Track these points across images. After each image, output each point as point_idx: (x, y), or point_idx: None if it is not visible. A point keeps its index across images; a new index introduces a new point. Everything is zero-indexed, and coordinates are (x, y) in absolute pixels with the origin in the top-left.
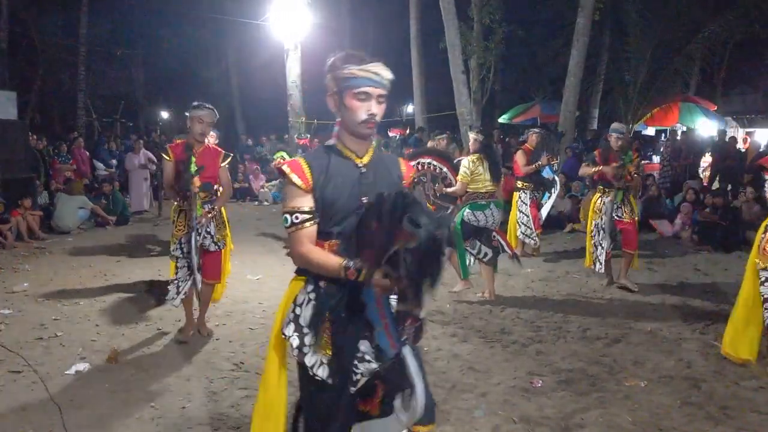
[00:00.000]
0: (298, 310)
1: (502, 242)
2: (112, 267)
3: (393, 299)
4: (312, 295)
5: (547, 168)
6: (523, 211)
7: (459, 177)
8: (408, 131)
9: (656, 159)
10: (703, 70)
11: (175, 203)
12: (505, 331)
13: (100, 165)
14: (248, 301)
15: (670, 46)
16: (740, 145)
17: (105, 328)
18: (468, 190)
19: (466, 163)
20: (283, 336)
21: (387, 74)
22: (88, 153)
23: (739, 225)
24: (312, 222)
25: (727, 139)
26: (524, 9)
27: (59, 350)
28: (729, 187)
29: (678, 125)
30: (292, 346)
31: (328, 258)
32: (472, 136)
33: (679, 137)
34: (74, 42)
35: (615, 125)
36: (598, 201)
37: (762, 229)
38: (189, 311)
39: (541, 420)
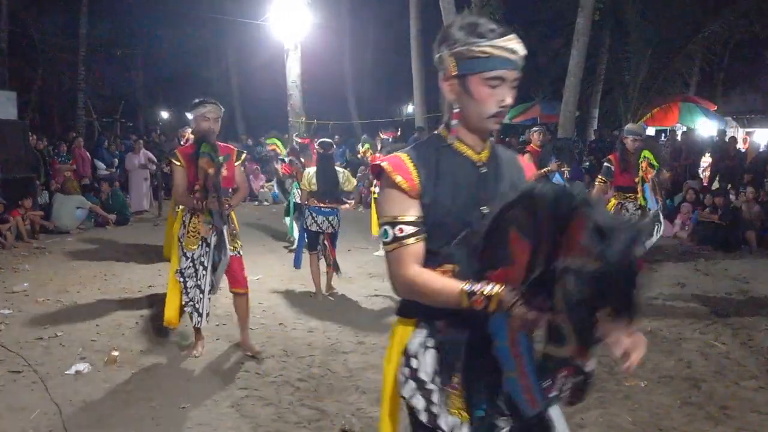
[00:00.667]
0: (414, 363)
1: None
2: (112, 267)
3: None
4: (430, 342)
5: (557, 175)
6: None
7: None
8: (399, 133)
9: None
10: (703, 70)
11: (180, 209)
12: None
13: (101, 165)
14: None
15: (670, 46)
16: (740, 145)
17: (105, 328)
18: None
19: None
20: (402, 399)
21: (522, 50)
22: (88, 153)
23: (739, 225)
24: (420, 236)
25: (726, 139)
26: (524, 9)
27: (59, 350)
28: (729, 187)
29: (678, 125)
30: (416, 409)
31: (444, 283)
32: None
33: (679, 137)
34: (74, 42)
35: (631, 126)
36: (618, 207)
37: None
38: (201, 333)
39: None
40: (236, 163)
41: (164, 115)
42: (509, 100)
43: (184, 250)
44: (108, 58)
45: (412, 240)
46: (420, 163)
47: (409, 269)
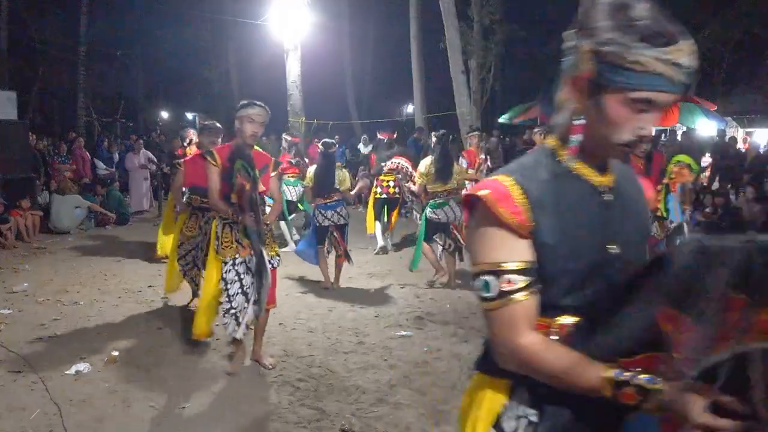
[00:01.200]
0: None
1: (458, 236)
2: (112, 267)
3: None
4: (532, 415)
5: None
6: None
7: (416, 177)
8: (395, 135)
9: None
10: (703, 70)
11: (217, 218)
12: None
13: (101, 165)
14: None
15: None
16: (740, 145)
17: (105, 328)
18: (428, 189)
19: (423, 165)
20: None
21: (694, 63)
22: (88, 153)
23: (739, 225)
24: (534, 288)
25: (727, 139)
26: (524, 9)
27: (59, 350)
28: (729, 187)
29: (678, 125)
30: None
31: (576, 362)
32: (433, 137)
33: (679, 137)
34: (74, 42)
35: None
36: None
37: None
38: (242, 343)
39: None
40: (272, 174)
41: (164, 115)
42: (651, 131)
43: (223, 259)
44: (108, 58)
45: (523, 294)
46: (532, 188)
47: (523, 336)
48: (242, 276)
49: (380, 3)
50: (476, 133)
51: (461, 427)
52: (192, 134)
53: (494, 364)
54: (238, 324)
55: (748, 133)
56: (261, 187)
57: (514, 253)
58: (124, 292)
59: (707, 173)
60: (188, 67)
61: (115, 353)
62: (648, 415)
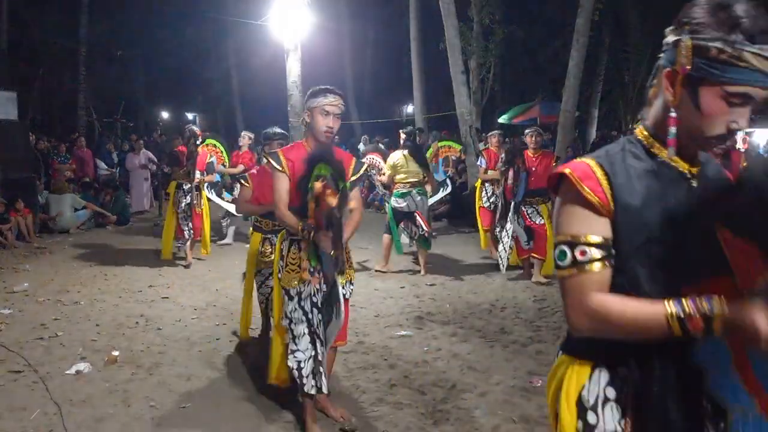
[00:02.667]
0: (591, 418)
1: (422, 223)
2: (112, 267)
3: None
4: (611, 392)
5: None
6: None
7: (385, 169)
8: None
9: None
10: None
11: (284, 232)
12: (505, 331)
13: (102, 165)
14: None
15: None
16: (740, 145)
17: (105, 328)
18: (395, 180)
19: (392, 158)
20: None
21: None
22: (90, 153)
23: None
24: (605, 263)
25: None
26: (524, 9)
27: (59, 350)
28: None
29: None
30: None
31: (640, 307)
32: (401, 133)
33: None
34: (74, 42)
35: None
36: None
37: None
38: (313, 410)
39: (541, 420)
40: (353, 177)
41: (164, 115)
42: (744, 125)
43: (285, 287)
44: (108, 58)
45: (596, 266)
46: (615, 170)
47: (592, 299)
48: (309, 315)
49: (380, 3)
50: (497, 132)
51: (549, 403)
52: (201, 131)
53: (576, 346)
54: (306, 376)
55: (747, 133)
56: (352, 203)
57: (591, 227)
58: (124, 292)
59: None
60: (188, 67)
61: (115, 353)
62: (714, 342)
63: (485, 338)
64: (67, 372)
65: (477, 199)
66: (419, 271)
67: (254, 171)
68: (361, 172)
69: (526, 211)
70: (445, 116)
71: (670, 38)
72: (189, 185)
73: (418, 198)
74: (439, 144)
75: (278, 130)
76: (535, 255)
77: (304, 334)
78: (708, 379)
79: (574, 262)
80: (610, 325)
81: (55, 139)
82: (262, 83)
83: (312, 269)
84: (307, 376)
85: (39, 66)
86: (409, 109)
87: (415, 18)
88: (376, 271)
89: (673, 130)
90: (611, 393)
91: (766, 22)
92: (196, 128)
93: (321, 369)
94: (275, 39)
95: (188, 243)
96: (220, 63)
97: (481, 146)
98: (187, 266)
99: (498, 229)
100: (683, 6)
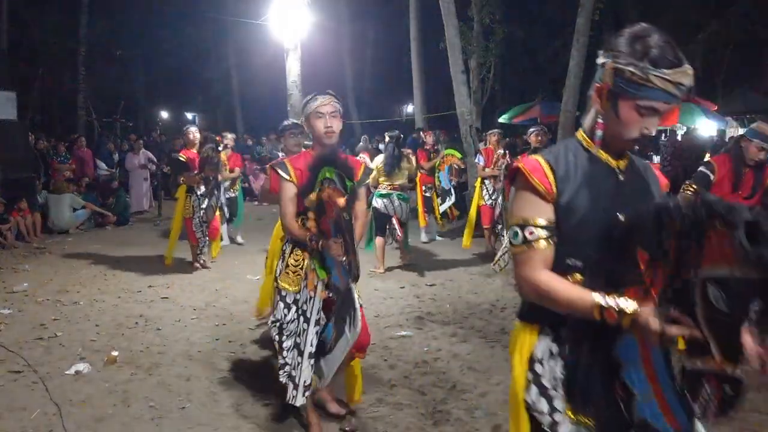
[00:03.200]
0: (538, 369)
1: (397, 230)
2: (112, 267)
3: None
4: (555, 349)
5: None
6: None
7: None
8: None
9: (656, 159)
10: (703, 70)
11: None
12: (505, 331)
13: (102, 165)
14: (248, 301)
15: None
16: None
17: (104, 328)
18: (379, 182)
19: (376, 161)
20: (526, 404)
21: (691, 82)
22: (90, 153)
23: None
24: (549, 241)
25: (727, 140)
26: (524, 9)
27: (59, 350)
28: None
29: (678, 125)
30: (538, 414)
31: (575, 292)
32: (386, 136)
33: (679, 137)
34: (74, 42)
35: (758, 127)
36: None
37: None
38: (312, 411)
39: None
40: (363, 182)
41: (164, 115)
42: (653, 131)
43: (281, 291)
44: (108, 58)
45: (542, 243)
46: (559, 166)
47: (538, 273)
48: (299, 323)
49: (380, 3)
50: (496, 131)
51: (511, 360)
52: (193, 133)
53: (530, 314)
54: (295, 386)
55: None
56: (361, 206)
57: (538, 212)
58: (124, 292)
59: None
60: (188, 67)
61: (115, 353)
62: (630, 340)
63: (485, 338)
64: (67, 372)
65: (477, 198)
66: (419, 272)
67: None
68: (372, 175)
69: None
70: (445, 116)
71: (600, 60)
72: (205, 189)
73: (397, 203)
74: (445, 152)
75: (293, 121)
76: None
77: (291, 347)
78: (623, 368)
79: (525, 241)
80: (550, 300)
81: (55, 139)
82: (262, 83)
83: (318, 282)
84: (293, 387)
85: (39, 66)
86: (409, 109)
87: (415, 18)
88: (371, 271)
89: (599, 133)
90: (555, 349)
91: (669, 53)
92: (192, 129)
93: (299, 380)
94: (275, 39)
95: (207, 246)
96: (220, 63)
97: (481, 146)
98: (207, 268)
99: (500, 227)
100: (688, 10)
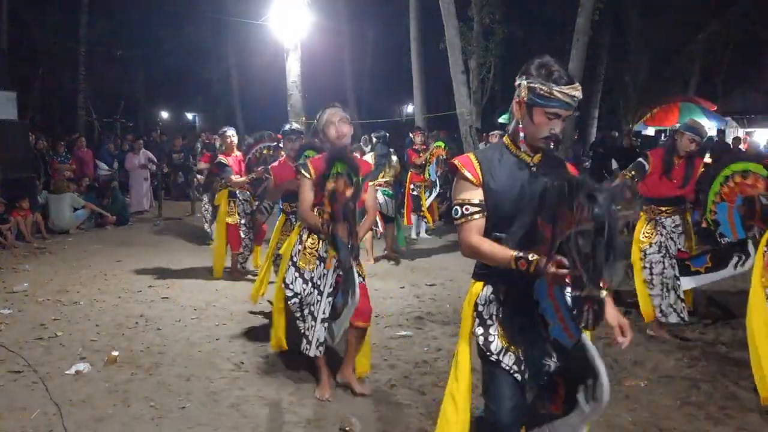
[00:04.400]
0: (480, 308)
1: (379, 223)
2: (112, 267)
3: (567, 293)
4: (491, 295)
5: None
6: None
7: None
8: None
9: None
10: (703, 70)
11: (297, 224)
12: None
13: (102, 165)
14: (248, 301)
15: (670, 46)
16: (740, 145)
17: (105, 328)
18: None
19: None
20: (472, 333)
21: (580, 95)
22: (90, 153)
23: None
24: (480, 215)
25: (730, 140)
26: (524, 9)
27: (59, 350)
28: None
29: (678, 125)
30: (478, 337)
31: (500, 249)
32: (372, 137)
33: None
34: (74, 42)
35: (693, 124)
36: (652, 227)
37: (763, 244)
38: (323, 367)
39: None
40: (370, 183)
41: (164, 115)
42: (558, 130)
43: (300, 270)
44: (108, 58)
45: (476, 216)
46: (483, 161)
47: (473, 237)
48: (313, 295)
49: (380, 3)
50: (498, 132)
51: (464, 306)
52: (211, 138)
53: (479, 273)
54: (308, 342)
55: (748, 133)
56: (370, 203)
57: (471, 195)
58: (124, 292)
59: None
60: (188, 67)
61: (115, 353)
62: (541, 282)
63: None
64: (67, 372)
65: None
66: (419, 272)
67: (275, 164)
68: (380, 178)
69: None
70: (445, 116)
71: (517, 82)
72: (247, 193)
73: (383, 199)
74: (434, 145)
75: (295, 126)
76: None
77: (310, 312)
78: (540, 304)
79: (463, 215)
80: (481, 255)
81: (53, 139)
82: (262, 83)
83: (329, 255)
84: (306, 342)
85: (39, 66)
86: (409, 109)
87: (415, 18)
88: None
89: (521, 135)
90: (492, 296)
91: (565, 75)
92: (229, 133)
93: (312, 338)
94: (275, 39)
95: (252, 252)
96: (220, 63)
97: (481, 146)
98: (251, 272)
99: None
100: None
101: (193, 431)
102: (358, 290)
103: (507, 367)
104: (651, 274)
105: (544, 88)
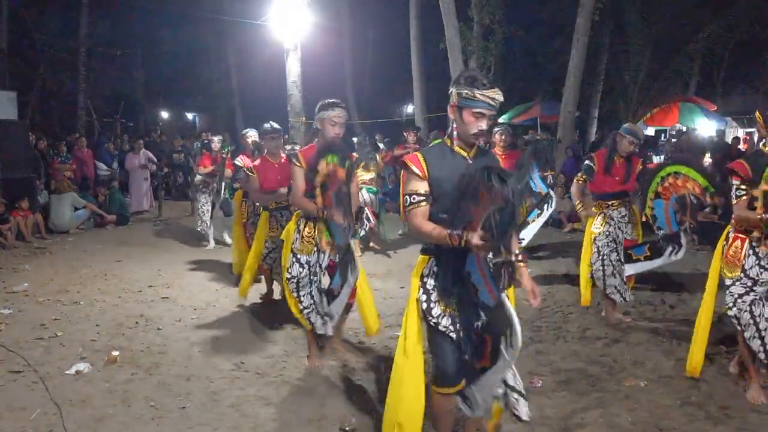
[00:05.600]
0: (424, 279)
1: (370, 218)
2: (112, 267)
3: (490, 259)
4: (435, 268)
5: (539, 180)
6: None
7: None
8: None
9: (656, 159)
10: (703, 70)
11: (297, 216)
12: None
13: (101, 165)
14: (249, 301)
15: (670, 46)
16: (740, 145)
17: (105, 328)
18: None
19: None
20: (417, 300)
21: (500, 98)
22: (91, 153)
23: None
24: (426, 202)
25: (730, 140)
26: (524, 9)
27: (59, 350)
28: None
29: (678, 125)
30: (421, 303)
31: (438, 229)
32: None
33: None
34: (74, 42)
35: (631, 127)
36: (603, 219)
37: (723, 236)
38: (311, 339)
39: (541, 420)
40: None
41: (164, 115)
42: (485, 127)
43: (298, 256)
44: (108, 58)
45: (423, 204)
46: (428, 158)
47: (419, 221)
48: (314, 278)
49: (380, 3)
50: (499, 129)
51: (411, 278)
52: (251, 137)
53: (425, 249)
54: (323, 317)
55: (748, 133)
56: (354, 187)
57: (418, 186)
58: (124, 292)
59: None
60: (188, 67)
61: (115, 353)
62: (472, 255)
63: None
64: (67, 372)
65: None
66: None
67: (257, 162)
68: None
69: None
70: (445, 116)
71: (450, 90)
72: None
73: (367, 195)
74: (433, 142)
75: (274, 125)
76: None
77: (307, 294)
78: (471, 274)
79: (411, 203)
80: (425, 235)
81: (53, 139)
82: (262, 83)
83: (324, 240)
84: (320, 318)
85: (39, 66)
86: (409, 108)
87: (415, 18)
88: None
89: (455, 133)
90: (435, 269)
91: (486, 81)
92: (250, 134)
93: (322, 311)
94: (275, 39)
95: None
96: (220, 63)
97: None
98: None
99: None
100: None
101: (193, 431)
102: (357, 267)
103: (444, 329)
104: (600, 258)
105: (469, 92)
